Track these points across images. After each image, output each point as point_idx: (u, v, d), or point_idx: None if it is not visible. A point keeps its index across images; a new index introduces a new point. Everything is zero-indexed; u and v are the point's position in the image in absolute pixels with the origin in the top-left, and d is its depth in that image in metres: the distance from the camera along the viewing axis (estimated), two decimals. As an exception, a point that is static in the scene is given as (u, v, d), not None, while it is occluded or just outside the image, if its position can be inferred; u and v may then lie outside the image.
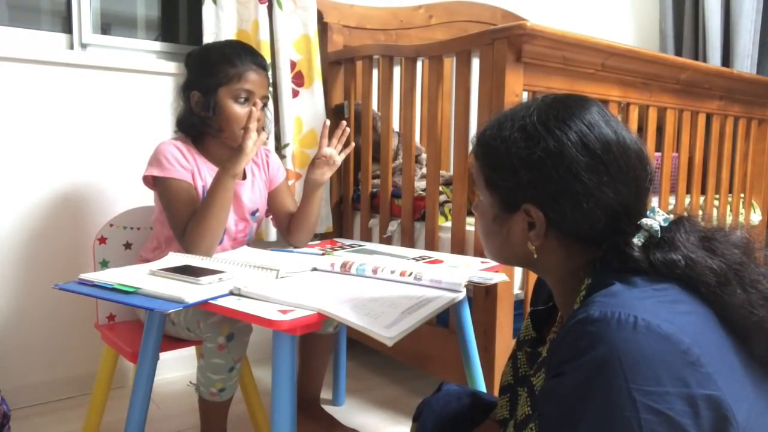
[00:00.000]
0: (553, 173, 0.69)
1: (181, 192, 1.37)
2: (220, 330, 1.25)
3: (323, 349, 1.65)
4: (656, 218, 0.69)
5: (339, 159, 1.54)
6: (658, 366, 0.56)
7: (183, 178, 1.38)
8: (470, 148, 0.82)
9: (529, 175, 0.70)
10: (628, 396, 0.55)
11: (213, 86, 1.41)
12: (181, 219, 1.36)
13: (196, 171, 1.43)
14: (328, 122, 1.53)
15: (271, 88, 1.82)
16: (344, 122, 1.57)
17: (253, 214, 1.54)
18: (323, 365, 1.67)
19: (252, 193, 1.53)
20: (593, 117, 0.70)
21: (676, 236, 0.67)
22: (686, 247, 0.66)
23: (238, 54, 1.42)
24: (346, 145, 1.56)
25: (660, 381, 0.55)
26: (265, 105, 1.48)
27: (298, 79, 2.04)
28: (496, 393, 1.15)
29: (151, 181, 1.41)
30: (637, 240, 0.67)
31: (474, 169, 0.79)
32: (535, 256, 0.74)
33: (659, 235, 0.68)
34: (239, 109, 1.41)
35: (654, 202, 2.18)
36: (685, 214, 0.72)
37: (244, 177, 1.52)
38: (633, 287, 0.63)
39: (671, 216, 0.71)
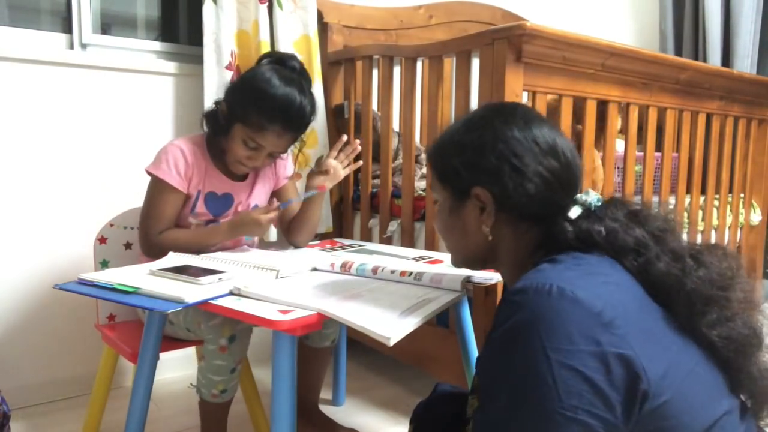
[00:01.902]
0: (491, 151, 0.79)
1: (164, 197, 1.39)
2: (222, 332, 1.25)
3: (320, 362, 1.63)
4: (590, 197, 0.78)
5: (342, 173, 1.53)
6: (570, 327, 0.61)
7: (173, 184, 1.38)
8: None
9: (472, 155, 0.81)
10: (544, 354, 0.61)
11: (235, 116, 1.38)
12: (153, 220, 1.39)
13: (197, 175, 1.42)
14: (345, 137, 1.53)
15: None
16: (357, 141, 1.57)
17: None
18: (320, 377, 1.66)
19: (252, 190, 1.53)
20: (529, 111, 0.84)
21: (606, 211, 0.77)
22: (611, 219, 0.75)
23: (275, 106, 1.34)
24: (355, 160, 1.55)
25: (573, 340, 0.61)
26: (274, 157, 1.46)
27: (298, 79, 2.03)
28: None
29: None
30: (573, 213, 0.76)
31: (429, 176, 0.90)
32: (490, 238, 0.82)
33: (593, 209, 0.77)
34: (243, 151, 1.39)
35: (654, 201, 2.16)
36: (617, 195, 0.83)
37: (245, 178, 1.52)
38: (558, 263, 0.71)
39: (603, 197, 0.80)
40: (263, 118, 1.34)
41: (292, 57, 1.46)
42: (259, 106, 1.34)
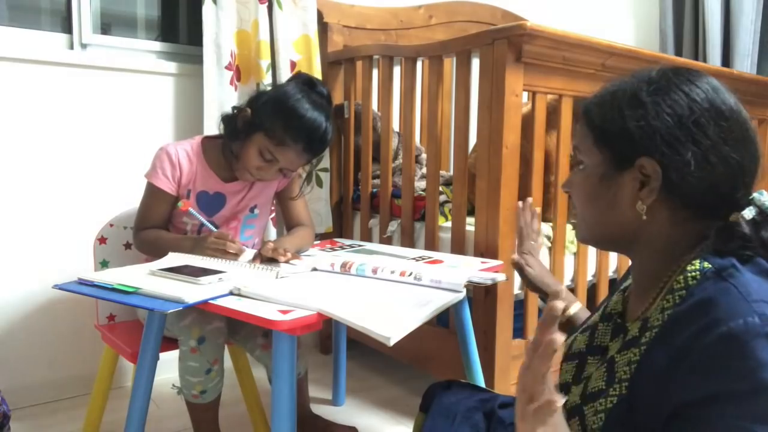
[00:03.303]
0: (680, 122, 0.66)
1: (153, 198, 1.45)
2: (191, 333, 1.26)
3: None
4: (765, 197, 0.67)
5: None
6: None
7: (161, 187, 1.42)
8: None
9: (654, 122, 0.67)
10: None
11: (259, 125, 1.38)
12: (143, 219, 1.46)
13: (186, 175, 1.44)
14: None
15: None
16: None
17: (251, 210, 1.54)
18: (303, 396, 1.61)
19: (249, 191, 1.52)
20: (717, 83, 0.70)
21: None
22: None
23: (303, 126, 1.36)
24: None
25: None
26: (284, 173, 1.47)
27: (298, 79, 2.04)
28: (496, 391, 1.16)
29: None
30: (748, 213, 0.65)
31: (578, 134, 0.77)
32: (644, 217, 0.70)
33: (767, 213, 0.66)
34: (256, 161, 1.39)
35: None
36: None
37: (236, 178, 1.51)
38: (759, 283, 0.62)
39: None
40: (288, 134, 1.36)
41: (321, 83, 1.49)
42: (286, 122, 1.36)
